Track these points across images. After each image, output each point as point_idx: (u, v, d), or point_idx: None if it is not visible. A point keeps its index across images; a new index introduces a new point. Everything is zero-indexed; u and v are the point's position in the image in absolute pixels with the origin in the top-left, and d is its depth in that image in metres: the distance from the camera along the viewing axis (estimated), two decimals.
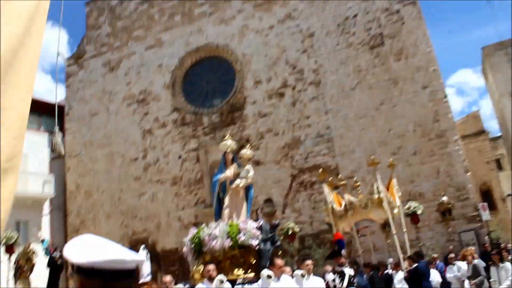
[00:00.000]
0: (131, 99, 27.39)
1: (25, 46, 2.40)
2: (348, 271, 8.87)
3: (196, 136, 25.32)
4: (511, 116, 29.54)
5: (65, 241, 23.45)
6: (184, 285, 8.38)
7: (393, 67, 22.14)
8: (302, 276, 7.81)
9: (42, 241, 14.42)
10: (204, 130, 25.25)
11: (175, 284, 7.99)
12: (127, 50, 28.13)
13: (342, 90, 22.81)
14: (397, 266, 13.43)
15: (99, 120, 27.96)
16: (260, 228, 8.78)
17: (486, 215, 19.42)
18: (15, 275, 17.04)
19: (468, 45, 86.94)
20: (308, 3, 24.30)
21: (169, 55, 26.91)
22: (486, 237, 19.39)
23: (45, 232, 25.25)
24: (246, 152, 10.07)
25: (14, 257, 17.20)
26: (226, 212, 9.35)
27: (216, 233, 8.53)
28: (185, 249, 9.22)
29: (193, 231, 9.18)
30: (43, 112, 27.47)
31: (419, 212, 17.51)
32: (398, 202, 14.45)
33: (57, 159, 28.42)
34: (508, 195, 31.56)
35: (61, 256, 11.34)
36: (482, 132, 37.17)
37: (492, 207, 29.50)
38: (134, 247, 23.18)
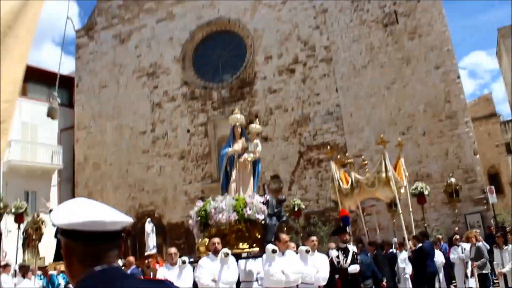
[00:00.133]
0: (141, 72, 27.32)
1: (25, 11, 2.39)
2: (352, 248, 8.88)
3: (205, 111, 25.28)
4: None
5: None
6: (189, 259, 8.43)
7: (406, 46, 21.85)
8: (307, 252, 7.84)
9: (50, 211, 14.49)
10: (213, 104, 25.19)
11: (180, 257, 8.04)
12: (138, 23, 27.94)
13: (354, 68, 22.59)
14: (401, 246, 13.46)
15: (108, 93, 27.94)
16: (266, 202, 8.79)
17: (493, 198, 19.35)
18: (23, 244, 17.29)
19: (483, 26, 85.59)
20: None
21: (180, 29, 26.71)
22: (492, 220, 19.38)
23: (53, 203, 25.53)
24: (255, 126, 10.03)
25: (23, 226, 17.42)
26: (233, 186, 9.36)
27: (222, 207, 8.55)
28: (191, 221, 9.26)
29: (199, 204, 9.21)
30: (53, 84, 27.42)
31: (426, 192, 17.49)
32: (405, 182, 14.42)
33: (67, 130, 28.57)
34: None
35: None
36: (493, 115, 36.80)
37: (499, 190, 29.41)
38: (141, 219, 23.44)
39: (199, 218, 8.91)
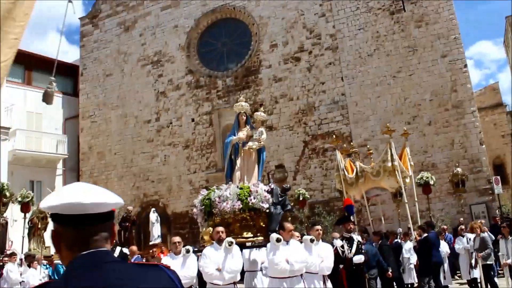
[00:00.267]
0: (145, 60, 27.23)
1: None
2: (357, 238, 8.83)
3: (210, 100, 25.19)
4: None
5: None
6: (193, 248, 8.38)
7: (412, 34, 21.64)
8: (311, 241, 7.78)
9: None
10: (218, 93, 25.09)
11: (184, 246, 7.99)
12: (142, 10, 27.80)
13: (359, 56, 22.41)
14: (406, 236, 13.41)
15: (113, 81, 27.89)
16: (271, 191, 8.72)
17: (498, 188, 19.24)
18: (29, 233, 17.34)
19: (490, 15, 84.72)
20: None
21: (185, 16, 26.55)
22: (497, 211, 19.28)
23: None
24: (260, 114, 9.94)
25: (28, 215, 17.46)
26: (237, 174, 9.28)
27: (226, 195, 8.48)
28: (195, 210, 9.21)
29: (203, 192, 9.16)
30: (58, 72, 27.40)
31: (431, 182, 17.39)
32: (410, 171, 14.33)
33: (72, 119, 28.58)
34: None
35: None
36: (499, 105, 36.50)
37: (505, 181, 29.23)
38: (145, 209, 23.51)
39: (203, 206, 8.86)
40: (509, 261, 10.51)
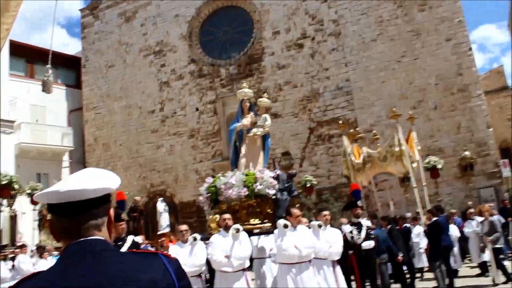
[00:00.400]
0: (147, 51, 27.12)
1: None
2: (365, 223, 8.73)
3: (214, 88, 25.09)
4: None
5: None
6: (200, 236, 8.32)
7: (416, 18, 21.40)
8: (319, 226, 7.71)
9: None
10: (221, 82, 24.98)
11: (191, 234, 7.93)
12: (142, 0, 27.61)
13: (363, 42, 22.21)
14: (415, 220, 13.32)
15: (115, 72, 27.81)
16: (277, 177, 8.62)
17: (506, 171, 19.15)
18: (39, 225, 17.41)
19: None
20: None
21: (186, 5, 26.36)
22: (506, 194, 19.15)
23: None
24: (264, 100, 9.82)
25: (38, 207, 17.50)
26: (242, 161, 9.19)
27: (232, 182, 8.40)
28: (201, 198, 9.13)
29: (209, 180, 9.08)
30: (60, 65, 27.39)
31: (439, 166, 17.28)
32: (417, 156, 14.22)
33: (76, 111, 28.56)
34: None
35: None
36: (504, 88, 36.14)
37: None
38: (153, 199, 23.53)
39: (209, 194, 8.78)
40: None
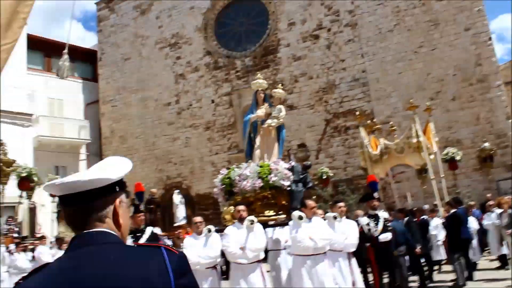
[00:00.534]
0: (163, 43, 27.15)
1: None
2: (383, 215, 8.62)
3: (229, 80, 25.05)
4: None
5: None
6: (215, 227, 8.30)
7: (434, 8, 21.04)
8: (335, 218, 7.63)
9: None
10: (237, 74, 24.92)
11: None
12: None
13: (379, 32, 21.92)
14: (432, 212, 13.15)
15: (131, 65, 27.92)
16: (291, 169, 8.54)
17: None
18: (58, 216, 17.59)
19: None
20: None
21: None
22: None
23: None
24: (278, 91, 9.73)
25: (56, 199, 17.67)
26: (257, 152, 9.11)
27: (247, 173, 8.34)
28: (215, 190, 9.10)
29: (223, 172, 9.03)
30: (77, 58, 27.56)
31: (457, 158, 17.03)
32: (435, 147, 14.05)
33: (93, 104, 28.74)
34: None
35: None
36: None
37: None
38: (169, 191, 23.61)
39: (223, 186, 8.73)
40: None
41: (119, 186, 1.51)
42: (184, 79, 26.29)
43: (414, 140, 13.10)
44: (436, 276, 11.60)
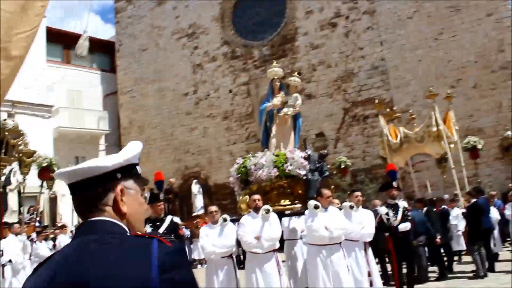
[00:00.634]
0: (180, 33, 27.11)
1: None
2: (402, 204, 8.48)
3: (247, 70, 24.94)
4: None
5: None
6: (230, 217, 8.28)
7: None
8: (351, 207, 7.54)
9: None
10: (254, 63, 24.79)
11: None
12: None
13: (398, 19, 21.55)
14: (452, 202, 12.95)
15: (149, 56, 27.98)
16: (307, 158, 8.45)
17: None
18: None
19: None
20: None
21: None
22: None
23: None
24: (294, 79, 9.62)
25: None
26: (273, 141, 9.05)
27: (262, 163, 8.27)
28: (231, 179, 9.06)
29: (239, 161, 8.99)
30: (95, 50, 27.71)
31: (479, 147, 16.71)
32: (455, 136, 13.81)
33: (111, 95, 28.93)
34: None
35: None
36: None
37: None
38: (187, 181, 23.71)
39: (239, 175, 8.69)
40: None
41: (122, 173, 1.46)
42: (201, 69, 26.26)
43: (434, 129, 12.88)
44: (456, 267, 11.45)
